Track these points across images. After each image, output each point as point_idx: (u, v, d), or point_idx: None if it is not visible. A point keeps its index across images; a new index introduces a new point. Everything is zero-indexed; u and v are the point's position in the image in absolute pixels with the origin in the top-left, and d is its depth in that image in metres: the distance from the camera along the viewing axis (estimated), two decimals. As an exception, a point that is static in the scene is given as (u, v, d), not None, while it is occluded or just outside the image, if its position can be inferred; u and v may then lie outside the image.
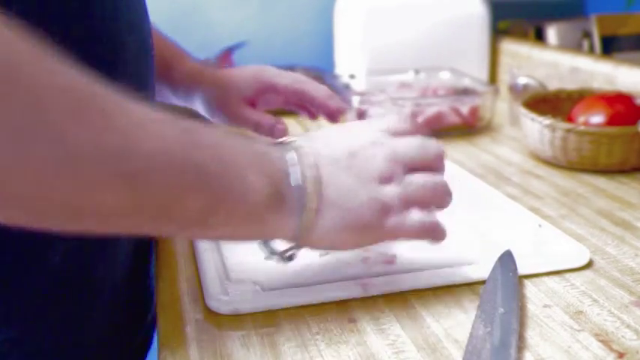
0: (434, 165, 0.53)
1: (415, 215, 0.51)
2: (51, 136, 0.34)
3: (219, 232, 0.46)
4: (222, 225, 0.44)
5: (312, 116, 0.78)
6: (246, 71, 0.77)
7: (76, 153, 0.35)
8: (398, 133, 0.53)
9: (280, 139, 0.50)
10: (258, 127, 0.75)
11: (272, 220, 0.46)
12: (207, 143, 0.43)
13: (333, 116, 0.74)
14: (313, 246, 0.50)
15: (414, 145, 0.53)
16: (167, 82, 0.79)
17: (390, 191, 0.50)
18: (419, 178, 0.51)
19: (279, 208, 0.46)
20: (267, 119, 0.75)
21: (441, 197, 0.53)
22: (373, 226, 0.50)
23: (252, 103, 0.76)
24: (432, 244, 0.53)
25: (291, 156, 0.47)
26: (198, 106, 0.80)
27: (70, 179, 0.35)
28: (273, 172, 0.46)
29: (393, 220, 0.50)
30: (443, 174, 0.54)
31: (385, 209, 0.50)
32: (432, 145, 0.54)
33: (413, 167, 0.52)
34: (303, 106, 0.77)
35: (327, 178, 0.48)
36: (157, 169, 0.39)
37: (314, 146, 0.49)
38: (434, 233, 0.52)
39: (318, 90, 0.75)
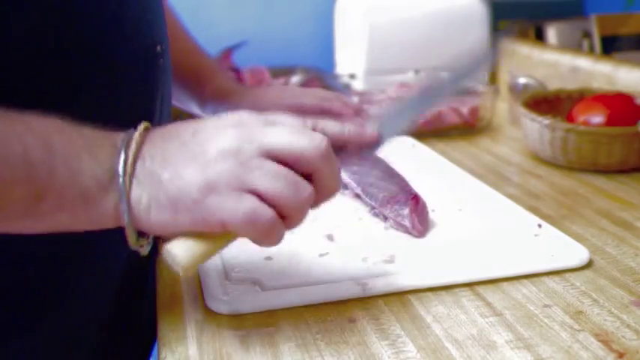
0: (307, 160, 0.44)
1: (246, 202, 0.42)
2: None
3: (53, 221, 0.44)
4: (54, 212, 0.43)
5: None
6: (272, 92, 0.79)
7: None
8: (275, 122, 0.46)
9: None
10: None
11: (105, 201, 0.44)
12: (37, 131, 0.42)
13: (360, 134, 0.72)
14: (146, 227, 0.45)
15: (285, 130, 0.44)
16: (196, 98, 0.82)
17: (223, 168, 0.42)
18: (274, 167, 0.43)
19: (110, 188, 0.44)
20: None
21: (292, 198, 0.43)
22: (184, 203, 0.43)
23: None
24: (258, 244, 0.45)
25: (127, 137, 0.45)
26: None
27: None
28: (104, 153, 0.44)
29: (213, 200, 0.42)
30: (320, 175, 0.45)
31: (207, 186, 0.42)
32: (312, 137, 0.44)
33: (278, 158, 0.44)
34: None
35: (154, 151, 0.44)
36: None
37: (165, 127, 0.46)
38: (262, 232, 0.44)
39: (345, 109, 0.76)
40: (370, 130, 0.49)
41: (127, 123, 0.49)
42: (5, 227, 0.43)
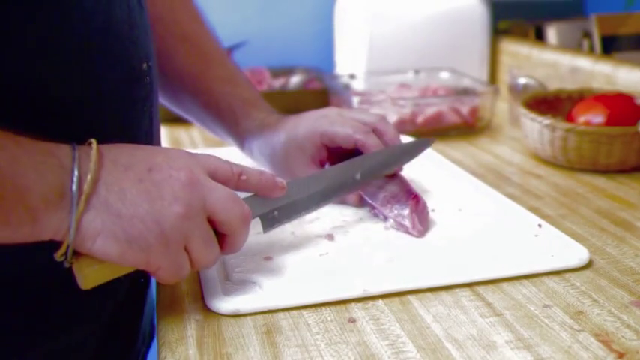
0: (233, 225, 0.51)
1: (181, 259, 0.49)
2: None
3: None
4: (1, 229, 0.43)
5: None
6: (307, 121, 0.72)
7: None
8: (218, 179, 0.51)
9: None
10: None
11: (51, 218, 0.45)
12: None
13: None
14: (86, 248, 0.46)
15: (224, 195, 0.50)
16: (232, 134, 0.77)
17: (176, 223, 0.47)
18: (208, 232, 0.50)
19: (58, 206, 0.45)
20: None
21: (209, 259, 0.51)
22: (140, 245, 0.47)
23: (321, 161, 0.72)
24: (157, 278, 0.50)
25: (77, 155, 0.46)
26: (263, 164, 0.75)
27: None
28: (51, 171, 0.44)
29: (161, 250, 0.47)
30: (235, 238, 0.52)
31: (163, 236, 0.47)
32: (242, 207, 0.51)
33: (209, 215, 0.50)
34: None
35: (110, 180, 0.46)
36: None
37: (115, 152, 0.48)
38: (177, 279, 0.50)
39: (377, 146, 0.70)
40: (278, 193, 0.57)
41: (114, 143, 0.49)
42: None
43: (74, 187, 0.44)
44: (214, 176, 0.51)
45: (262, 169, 0.76)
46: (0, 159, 0.42)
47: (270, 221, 0.59)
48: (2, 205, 0.42)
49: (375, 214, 0.70)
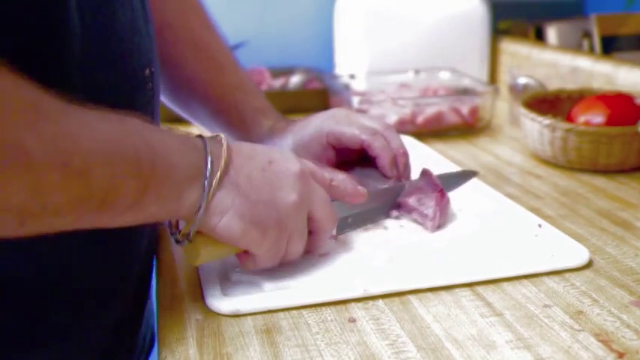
0: (323, 225, 0.57)
1: (282, 247, 0.54)
2: (7, 145, 0.37)
3: (147, 213, 0.47)
4: (151, 204, 0.47)
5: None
6: (315, 121, 0.72)
7: (30, 160, 0.38)
8: (315, 181, 0.56)
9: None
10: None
11: (191, 194, 0.49)
12: (137, 131, 0.46)
13: (389, 178, 0.71)
14: (209, 226, 0.51)
15: (324, 195, 0.56)
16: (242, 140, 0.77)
17: (290, 213, 0.53)
18: (305, 229, 0.55)
19: (197, 183, 0.49)
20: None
21: (299, 251, 0.56)
22: (261, 228, 0.52)
23: (328, 160, 0.71)
24: (254, 263, 0.55)
25: (206, 141, 0.51)
26: None
27: (25, 184, 0.38)
28: (189, 151, 0.49)
29: (274, 235, 0.52)
30: (320, 236, 0.58)
31: (280, 223, 0.53)
32: (333, 210, 0.57)
33: (309, 211, 0.55)
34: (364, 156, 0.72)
35: (238, 165, 0.51)
36: (100, 163, 0.42)
37: (237, 144, 0.54)
38: (270, 264, 0.55)
39: (384, 152, 0.70)
40: (361, 199, 0.62)
41: None
42: (109, 222, 0.45)
43: (209, 167, 0.49)
44: (313, 178, 0.56)
45: None
46: (152, 138, 0.47)
47: (343, 225, 0.64)
48: (156, 179, 0.46)
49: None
